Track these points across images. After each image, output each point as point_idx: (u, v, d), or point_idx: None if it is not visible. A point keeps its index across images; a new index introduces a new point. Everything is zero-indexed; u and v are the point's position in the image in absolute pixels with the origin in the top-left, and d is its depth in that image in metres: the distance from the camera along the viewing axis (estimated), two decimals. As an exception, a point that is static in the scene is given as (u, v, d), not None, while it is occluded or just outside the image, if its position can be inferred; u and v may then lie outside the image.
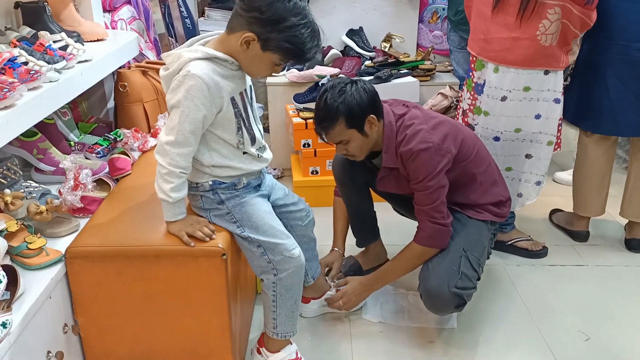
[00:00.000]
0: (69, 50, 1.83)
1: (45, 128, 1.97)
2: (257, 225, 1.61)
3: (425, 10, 3.34)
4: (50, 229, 1.65)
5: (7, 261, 1.47)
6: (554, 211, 2.72)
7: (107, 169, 1.96)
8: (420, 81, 3.05)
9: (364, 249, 2.27)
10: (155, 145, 2.13)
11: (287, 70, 3.06)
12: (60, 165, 1.91)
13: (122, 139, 2.13)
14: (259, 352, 1.79)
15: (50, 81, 1.62)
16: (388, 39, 3.26)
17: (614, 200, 2.57)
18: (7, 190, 1.62)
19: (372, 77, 2.98)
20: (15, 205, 1.58)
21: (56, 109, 1.71)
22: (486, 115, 2.18)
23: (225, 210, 1.62)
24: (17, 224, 1.52)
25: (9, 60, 1.57)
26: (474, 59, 2.20)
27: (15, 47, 1.70)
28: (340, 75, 2.92)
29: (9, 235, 1.51)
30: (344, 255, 2.20)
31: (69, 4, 2.12)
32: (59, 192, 1.74)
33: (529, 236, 2.46)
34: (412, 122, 1.81)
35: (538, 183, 2.28)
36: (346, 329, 2.01)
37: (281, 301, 1.67)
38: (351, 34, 3.24)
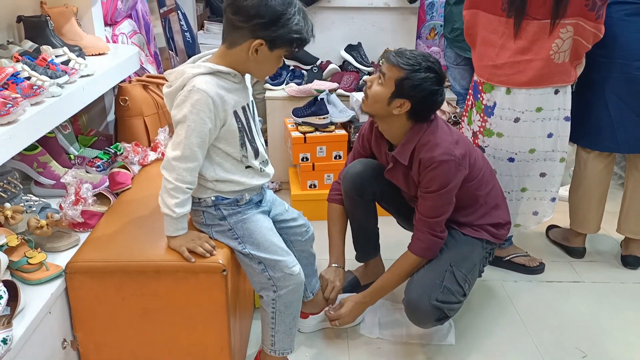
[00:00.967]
0: (71, 64, 1.84)
1: (45, 141, 1.97)
2: (259, 242, 1.61)
3: (423, 27, 3.37)
4: (50, 244, 1.64)
5: (8, 276, 1.47)
6: (550, 227, 2.73)
7: (107, 183, 1.96)
8: (418, 97, 3.06)
9: (363, 263, 2.26)
10: (156, 159, 2.15)
11: (286, 85, 3.08)
12: (61, 180, 1.90)
13: (122, 153, 2.13)
14: (257, 369, 1.78)
15: (53, 96, 1.62)
16: (386, 54, 3.27)
17: (610, 216, 2.58)
18: (8, 204, 1.61)
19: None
20: (16, 219, 1.58)
21: (58, 124, 1.72)
22: (499, 137, 2.18)
23: (228, 226, 1.62)
24: (17, 238, 1.52)
25: (12, 75, 1.57)
26: (481, 80, 2.18)
27: (17, 61, 1.70)
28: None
29: (9, 250, 1.50)
30: (344, 270, 2.08)
31: (71, 18, 2.13)
32: (60, 206, 1.74)
33: (527, 252, 2.47)
34: (438, 131, 1.80)
35: (553, 199, 2.30)
36: (344, 344, 2.01)
37: (280, 318, 1.67)
38: (350, 49, 3.26)
